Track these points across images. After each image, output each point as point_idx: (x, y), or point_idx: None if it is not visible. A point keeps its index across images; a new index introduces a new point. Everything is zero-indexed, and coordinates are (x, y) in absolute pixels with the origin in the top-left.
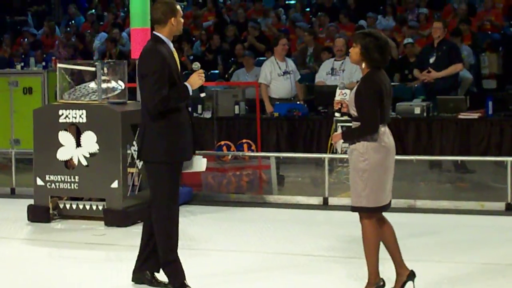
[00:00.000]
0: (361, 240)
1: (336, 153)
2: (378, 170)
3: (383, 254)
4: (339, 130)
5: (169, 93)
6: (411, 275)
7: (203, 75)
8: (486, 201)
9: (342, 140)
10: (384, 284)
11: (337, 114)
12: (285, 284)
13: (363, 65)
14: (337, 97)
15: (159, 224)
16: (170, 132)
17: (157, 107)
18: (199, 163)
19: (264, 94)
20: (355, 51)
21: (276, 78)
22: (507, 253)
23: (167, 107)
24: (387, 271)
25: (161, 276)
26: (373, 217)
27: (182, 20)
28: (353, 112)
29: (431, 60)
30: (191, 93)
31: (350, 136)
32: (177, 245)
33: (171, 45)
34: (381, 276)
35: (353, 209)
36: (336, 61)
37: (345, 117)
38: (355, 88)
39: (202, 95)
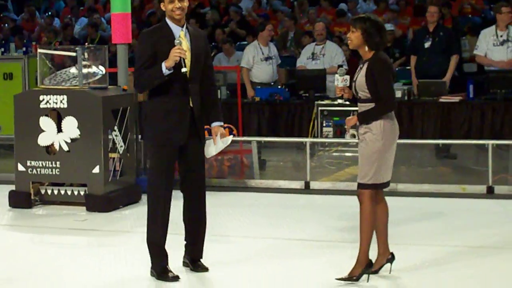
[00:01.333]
0: (342, 224)
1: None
2: (391, 148)
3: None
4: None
5: (143, 73)
6: (391, 258)
7: (179, 50)
8: (467, 184)
9: (357, 123)
10: (371, 265)
11: (340, 101)
12: (266, 268)
13: (366, 48)
14: (340, 84)
15: (147, 204)
16: (155, 117)
17: (136, 87)
18: (214, 146)
19: (246, 78)
20: (355, 35)
21: (259, 62)
22: (489, 235)
23: (144, 86)
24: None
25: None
26: (373, 196)
27: (172, 5)
28: (364, 94)
29: (426, 45)
30: (164, 72)
31: (368, 117)
32: (162, 230)
33: (176, 29)
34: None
35: (359, 185)
36: (317, 45)
37: (346, 102)
38: (363, 71)
39: (183, 70)
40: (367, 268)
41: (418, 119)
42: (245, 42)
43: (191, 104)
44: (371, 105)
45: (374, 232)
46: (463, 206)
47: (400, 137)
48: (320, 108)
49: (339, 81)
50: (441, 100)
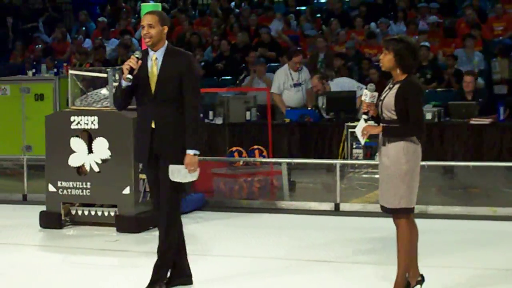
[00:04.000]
0: (372, 246)
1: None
2: (416, 171)
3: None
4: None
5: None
6: (421, 280)
7: (129, 60)
8: (498, 206)
9: (376, 133)
10: (409, 286)
11: (364, 117)
12: None
13: (398, 71)
14: (368, 99)
15: None
16: (135, 133)
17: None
18: (180, 174)
19: (278, 102)
20: (387, 58)
21: (288, 88)
22: None
23: (114, 100)
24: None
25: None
26: (410, 217)
27: (142, 32)
28: (388, 115)
29: None
30: (122, 84)
31: (394, 132)
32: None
33: (150, 54)
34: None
35: (394, 211)
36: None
37: (371, 121)
38: (394, 92)
39: (126, 76)
40: None
41: (448, 141)
42: (277, 64)
43: (152, 125)
44: (395, 126)
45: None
46: (494, 228)
47: (431, 159)
48: (350, 130)
49: (367, 96)
50: (471, 122)
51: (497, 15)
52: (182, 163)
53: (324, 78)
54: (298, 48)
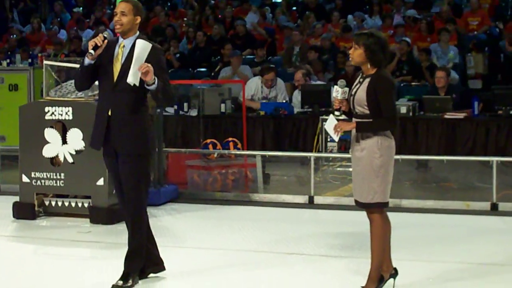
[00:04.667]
0: (345, 239)
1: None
2: (390, 165)
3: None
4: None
5: None
6: (394, 273)
7: (96, 39)
8: (471, 201)
9: (351, 129)
10: (383, 280)
11: (337, 113)
12: (270, 282)
13: (368, 65)
14: (340, 96)
15: None
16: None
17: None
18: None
19: (250, 103)
20: (358, 52)
21: (257, 100)
22: (492, 252)
23: (75, 80)
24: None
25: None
26: (383, 212)
27: (114, 19)
28: (361, 110)
29: None
30: (85, 61)
31: (367, 127)
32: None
33: (119, 41)
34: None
35: (368, 205)
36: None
37: (343, 116)
38: (365, 86)
39: (90, 51)
40: (379, 284)
41: (422, 135)
42: (252, 56)
43: (109, 113)
44: (369, 121)
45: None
46: (467, 223)
47: (405, 153)
48: (324, 123)
49: (339, 93)
50: (446, 116)
51: (472, 9)
52: (139, 155)
53: (308, 76)
54: (271, 66)
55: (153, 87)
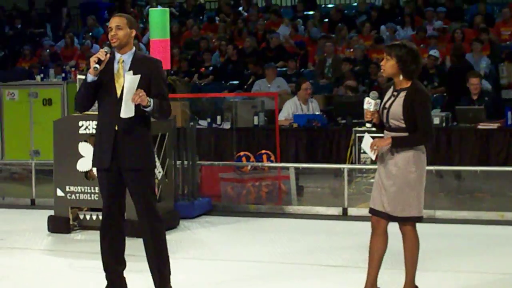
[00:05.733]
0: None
1: (353, 163)
2: (424, 179)
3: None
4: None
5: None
6: None
7: (98, 54)
8: (505, 211)
9: (387, 146)
10: None
11: (368, 125)
12: None
13: (400, 77)
14: (372, 108)
15: None
16: (95, 138)
17: (75, 107)
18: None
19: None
20: (390, 64)
21: None
22: None
23: (77, 100)
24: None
25: None
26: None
27: (110, 34)
28: (396, 124)
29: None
30: (88, 78)
31: (403, 143)
32: (105, 259)
33: (116, 57)
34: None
35: (405, 219)
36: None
37: (373, 128)
38: (401, 99)
39: (94, 66)
40: None
41: (456, 145)
42: (284, 69)
43: (116, 128)
44: (402, 135)
45: (369, 261)
46: (502, 233)
47: (439, 164)
48: (358, 135)
49: (371, 104)
50: (479, 126)
51: (504, 19)
52: (149, 169)
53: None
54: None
55: (149, 109)
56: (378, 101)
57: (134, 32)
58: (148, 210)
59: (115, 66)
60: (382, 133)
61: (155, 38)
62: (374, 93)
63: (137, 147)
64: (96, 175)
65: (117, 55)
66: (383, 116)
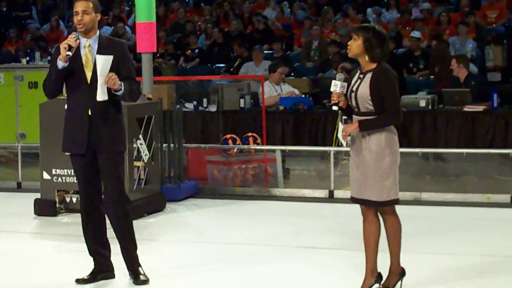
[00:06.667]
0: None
1: (340, 145)
2: (398, 161)
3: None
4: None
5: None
6: (379, 279)
7: (67, 40)
8: (491, 193)
9: (354, 131)
10: (404, 273)
11: (334, 108)
12: (289, 276)
13: (366, 57)
14: (338, 90)
15: None
16: (64, 123)
17: (44, 92)
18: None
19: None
20: (356, 43)
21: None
22: None
23: (47, 87)
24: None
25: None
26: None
27: (75, 19)
28: (366, 106)
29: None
30: (59, 65)
31: (371, 125)
32: (92, 248)
33: (82, 41)
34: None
35: (383, 204)
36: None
37: (339, 111)
38: (367, 81)
39: (67, 53)
40: (401, 276)
41: (442, 128)
42: (270, 51)
43: (89, 113)
44: (371, 118)
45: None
46: (488, 215)
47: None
48: (344, 117)
49: (337, 86)
50: (465, 109)
51: (490, 2)
52: (121, 152)
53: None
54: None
55: (120, 92)
56: (345, 83)
57: (99, 16)
58: (121, 192)
59: (82, 51)
60: (351, 118)
61: (141, 20)
62: (340, 75)
63: (111, 130)
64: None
65: (83, 40)
66: (351, 100)
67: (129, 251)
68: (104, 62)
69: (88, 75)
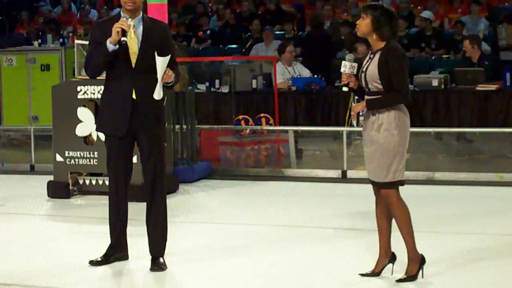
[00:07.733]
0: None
1: (352, 126)
2: (406, 144)
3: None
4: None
5: (91, 56)
6: (393, 259)
7: (121, 23)
8: (504, 172)
9: (363, 110)
10: (424, 259)
11: (345, 88)
12: (302, 256)
13: (374, 36)
14: (347, 70)
15: None
16: (102, 107)
17: (86, 72)
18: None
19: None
20: (365, 22)
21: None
22: None
23: (92, 68)
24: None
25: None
26: (399, 192)
27: None
28: (375, 86)
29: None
30: (109, 46)
31: (378, 104)
32: (113, 226)
33: (124, 19)
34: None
35: (388, 185)
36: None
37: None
38: (376, 60)
39: (122, 39)
40: (421, 263)
41: (454, 107)
42: (282, 32)
43: (133, 96)
44: (379, 97)
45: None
46: (501, 194)
47: (437, 126)
48: (356, 97)
49: (347, 67)
50: (478, 88)
51: None
52: (162, 132)
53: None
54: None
55: (171, 84)
56: (355, 64)
57: None
58: (162, 174)
59: (123, 17)
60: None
61: (153, 2)
62: (350, 56)
63: (153, 111)
64: (104, 140)
65: (125, 19)
66: (362, 80)
67: (164, 235)
68: (163, 63)
69: (133, 57)
